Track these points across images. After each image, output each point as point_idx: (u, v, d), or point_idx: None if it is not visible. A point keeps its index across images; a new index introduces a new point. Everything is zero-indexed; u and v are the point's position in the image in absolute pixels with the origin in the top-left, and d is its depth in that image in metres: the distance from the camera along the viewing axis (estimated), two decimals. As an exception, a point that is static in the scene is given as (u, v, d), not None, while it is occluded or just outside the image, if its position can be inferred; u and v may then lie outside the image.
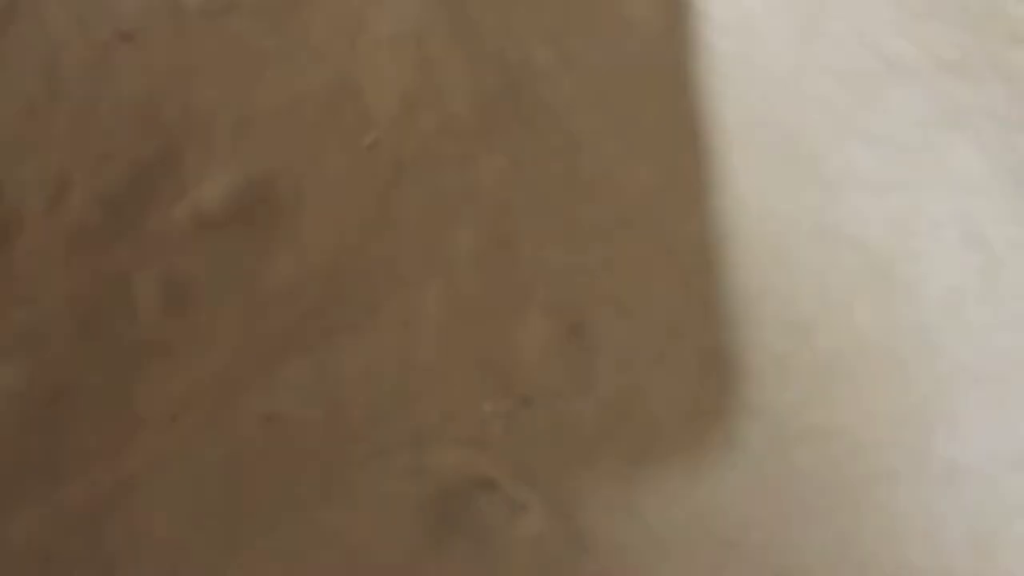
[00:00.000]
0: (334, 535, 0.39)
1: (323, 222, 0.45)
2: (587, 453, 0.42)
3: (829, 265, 0.45)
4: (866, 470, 0.41)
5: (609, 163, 0.48)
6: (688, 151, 0.49)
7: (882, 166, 0.48)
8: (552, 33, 0.51)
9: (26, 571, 0.38)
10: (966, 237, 0.46)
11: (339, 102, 0.48)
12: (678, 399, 0.43)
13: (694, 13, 0.53)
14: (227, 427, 0.40)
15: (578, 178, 0.48)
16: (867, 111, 0.49)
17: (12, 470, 0.39)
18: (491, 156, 0.47)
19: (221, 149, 0.46)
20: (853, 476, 0.43)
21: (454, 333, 0.43)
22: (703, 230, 0.47)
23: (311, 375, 0.42)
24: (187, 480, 0.40)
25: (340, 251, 0.44)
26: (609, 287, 0.46)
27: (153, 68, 0.47)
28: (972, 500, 0.40)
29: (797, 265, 0.46)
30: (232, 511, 0.39)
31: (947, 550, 0.40)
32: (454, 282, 0.44)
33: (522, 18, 0.51)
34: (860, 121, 0.49)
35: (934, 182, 0.47)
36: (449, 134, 0.48)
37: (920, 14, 0.51)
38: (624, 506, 0.40)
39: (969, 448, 0.42)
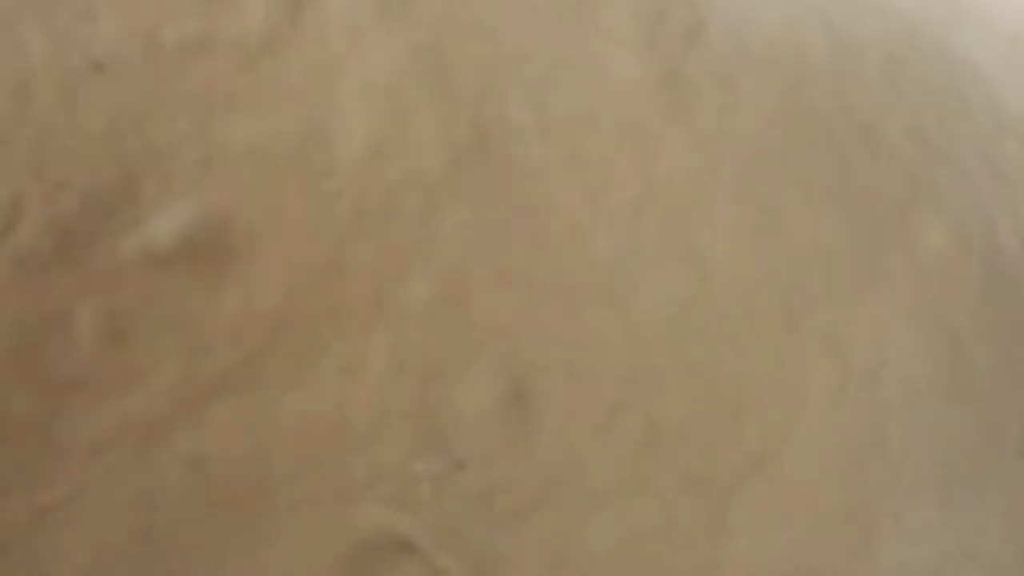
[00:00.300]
0: (245, 587, 0.38)
1: (274, 266, 0.44)
2: (516, 522, 0.40)
3: (785, 344, 0.44)
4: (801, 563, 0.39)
5: (574, 226, 0.47)
6: (658, 220, 0.48)
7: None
8: (531, 90, 0.50)
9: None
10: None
11: (306, 146, 0.47)
12: (618, 472, 0.42)
13: (680, 78, 0.52)
14: (149, 467, 0.39)
15: (541, 239, 0.47)
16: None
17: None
18: (454, 211, 0.47)
19: (180, 185, 0.45)
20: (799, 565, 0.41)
21: (394, 388, 0.42)
22: (663, 302, 0.46)
23: (242, 419, 0.41)
24: (101, 519, 0.39)
25: (288, 296, 0.43)
26: (560, 352, 0.45)
27: (122, 100, 0.47)
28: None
29: (754, 347, 0.44)
30: (143, 554, 0.38)
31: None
32: (400, 335, 0.43)
33: (502, 74, 0.50)
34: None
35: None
36: (414, 186, 0.47)
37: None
38: (548, 580, 0.39)
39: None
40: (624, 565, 0.41)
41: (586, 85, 0.51)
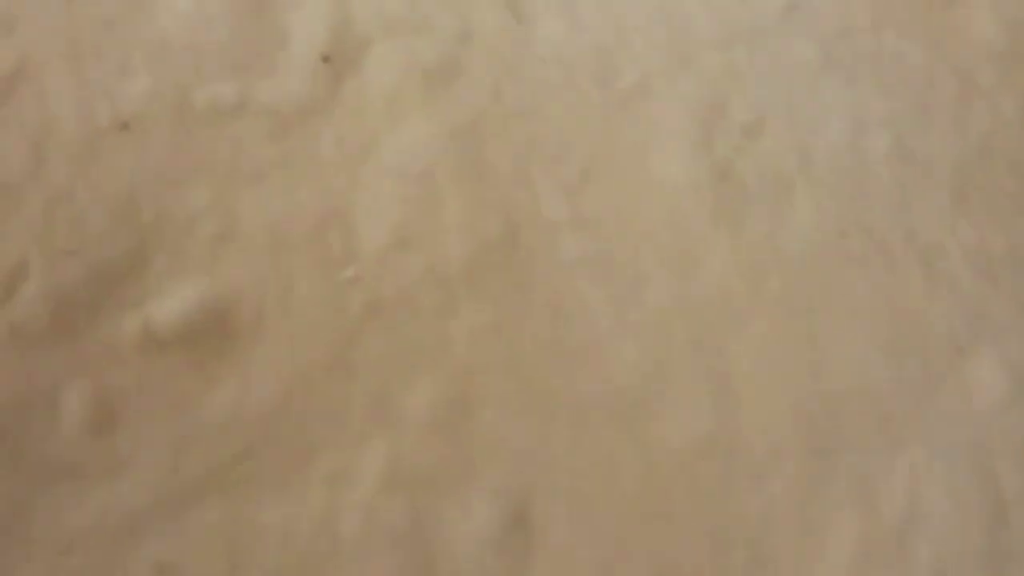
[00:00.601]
0: None
1: (277, 358, 0.42)
2: (497, 668, 0.38)
3: (811, 489, 0.40)
4: None
5: (597, 336, 0.44)
6: (688, 337, 0.45)
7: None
8: (569, 183, 0.47)
9: None
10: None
11: (327, 228, 0.45)
12: (615, 620, 0.39)
13: (732, 179, 0.49)
14: (117, 570, 0.37)
15: (562, 348, 0.44)
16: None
17: None
18: (472, 311, 0.44)
19: (191, 261, 0.43)
20: None
21: (385, 503, 0.40)
22: (684, 430, 0.43)
23: (221, 524, 0.39)
24: (61, 623, 0.37)
25: (285, 393, 0.41)
26: (568, 478, 0.42)
27: (143, 163, 0.45)
28: None
29: (777, 490, 0.41)
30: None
31: None
32: (398, 446, 0.41)
33: (540, 167, 0.48)
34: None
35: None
36: (434, 280, 0.44)
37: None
38: None
39: None
40: None
41: (627, 181, 0.48)
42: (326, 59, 0.49)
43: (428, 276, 0.45)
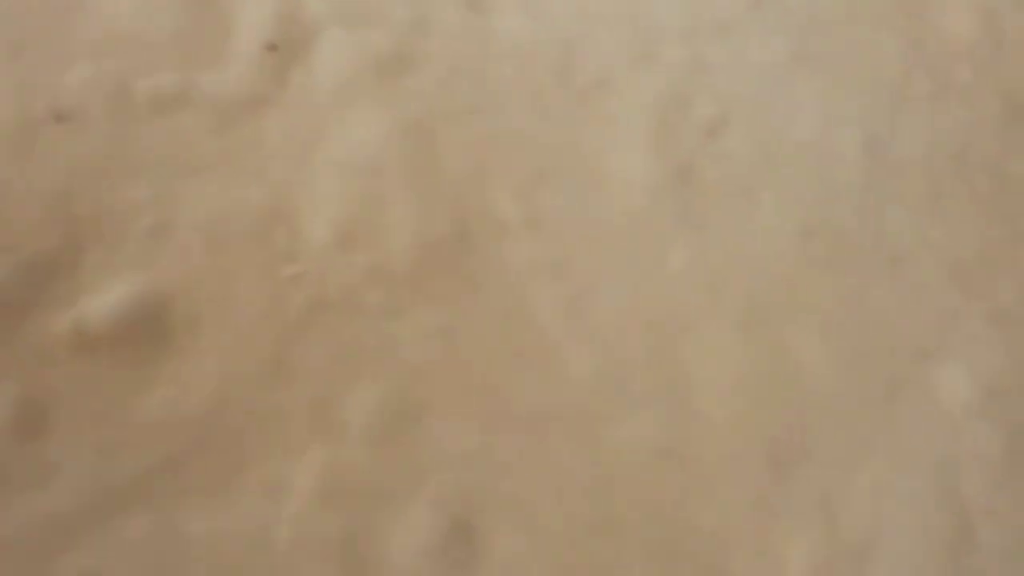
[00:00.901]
0: None
1: (213, 359, 0.40)
2: None
3: (769, 503, 0.39)
4: None
5: (549, 342, 0.43)
6: (644, 344, 0.43)
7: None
8: (522, 184, 0.46)
9: None
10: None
11: (269, 224, 0.43)
12: (557, 637, 0.38)
13: (693, 180, 0.47)
14: (39, 581, 0.36)
15: (511, 352, 0.43)
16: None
17: None
18: (418, 312, 0.43)
19: (127, 257, 0.42)
20: None
21: (321, 513, 0.38)
22: (638, 441, 0.41)
23: (150, 535, 0.37)
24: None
25: (222, 396, 0.40)
26: (514, 487, 0.41)
27: (81, 155, 0.43)
28: None
29: (733, 503, 0.40)
30: None
31: None
32: (338, 453, 0.39)
33: (493, 164, 0.46)
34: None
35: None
36: (380, 280, 0.43)
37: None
38: None
39: None
40: None
41: (584, 180, 0.46)
42: (273, 48, 0.48)
43: (373, 275, 0.44)
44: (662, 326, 0.44)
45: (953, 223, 0.49)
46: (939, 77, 0.52)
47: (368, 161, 0.46)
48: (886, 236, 0.48)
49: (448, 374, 0.42)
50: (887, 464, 0.43)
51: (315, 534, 0.39)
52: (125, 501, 0.39)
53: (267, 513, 0.39)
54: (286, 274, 0.43)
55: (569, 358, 0.43)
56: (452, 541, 0.40)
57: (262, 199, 0.45)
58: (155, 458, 0.40)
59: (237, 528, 0.39)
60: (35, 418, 0.40)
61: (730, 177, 0.48)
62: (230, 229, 0.44)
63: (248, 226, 0.44)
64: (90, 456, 0.40)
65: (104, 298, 0.42)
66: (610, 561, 0.40)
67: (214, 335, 0.42)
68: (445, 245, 0.45)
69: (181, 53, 0.47)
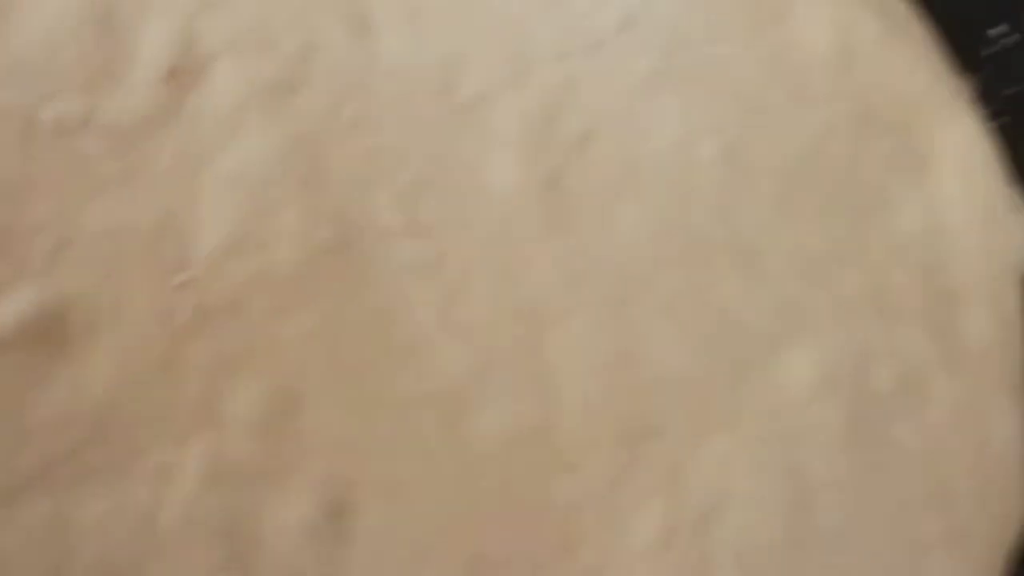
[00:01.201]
0: None
1: (110, 361, 0.45)
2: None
3: (621, 477, 0.43)
4: None
5: (424, 337, 0.47)
6: (512, 338, 0.48)
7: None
8: (403, 194, 0.50)
9: None
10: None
11: (163, 236, 0.48)
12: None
13: (561, 188, 0.52)
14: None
15: (388, 348, 0.47)
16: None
17: None
18: (301, 314, 0.47)
19: (32, 269, 0.46)
20: None
21: (206, 498, 0.43)
22: (504, 426, 0.46)
23: (46, 521, 0.41)
24: None
25: (117, 392, 0.44)
26: (389, 469, 0.45)
27: (-13, 177, 0.47)
28: None
29: (590, 478, 0.44)
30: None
31: None
32: (221, 443, 0.44)
33: (376, 176, 0.51)
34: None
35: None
36: (265, 285, 0.47)
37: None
38: None
39: None
40: None
41: (461, 189, 0.51)
42: (171, 75, 0.52)
43: (259, 281, 0.48)
44: (528, 321, 0.48)
45: (802, 222, 0.53)
46: (794, 87, 0.57)
47: (256, 176, 0.50)
48: (739, 235, 0.52)
49: (327, 369, 0.46)
50: (733, 440, 0.47)
51: (200, 516, 0.43)
52: (24, 491, 0.43)
53: (155, 498, 0.43)
54: (176, 282, 0.47)
55: (441, 351, 0.47)
56: (328, 520, 0.44)
57: (156, 214, 0.49)
58: (54, 447, 0.43)
59: (127, 513, 0.42)
60: (-61, 414, 0.44)
61: (595, 185, 0.52)
62: (126, 243, 0.48)
63: (142, 239, 0.48)
64: (-8, 449, 0.43)
65: (8, 307, 0.46)
66: (473, 535, 0.44)
67: (110, 339, 0.46)
68: (329, 251, 0.49)
69: (84, 80, 0.51)
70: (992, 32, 0.62)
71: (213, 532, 0.42)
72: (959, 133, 0.57)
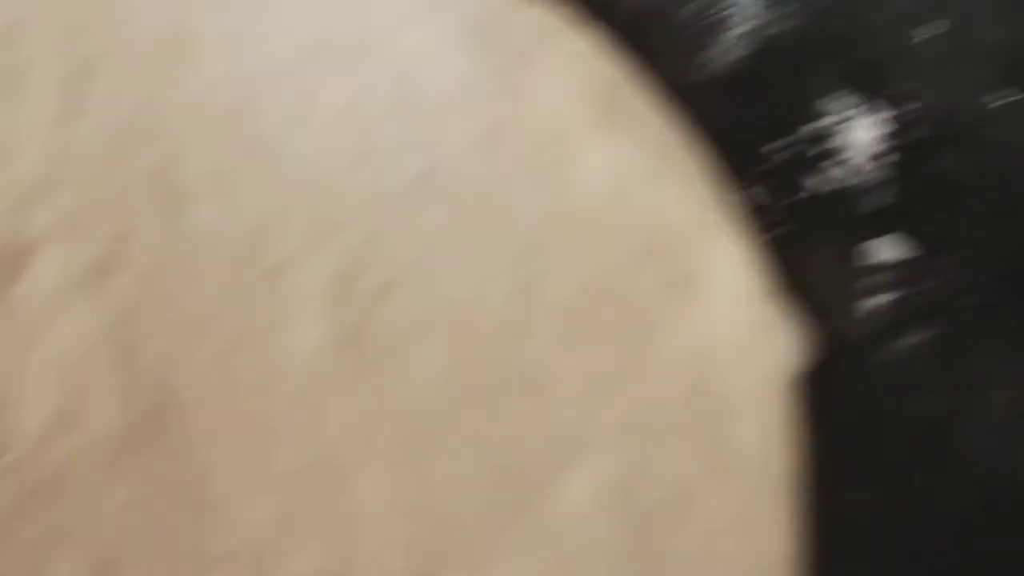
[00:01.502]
0: None
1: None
2: None
3: None
4: None
5: (236, 492, 0.52)
6: (313, 488, 0.53)
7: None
8: (217, 358, 0.55)
9: None
10: None
11: (-11, 420, 0.52)
12: None
13: (363, 339, 0.57)
14: None
15: (202, 507, 0.52)
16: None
17: None
18: (123, 482, 0.52)
19: None
20: None
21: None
22: (308, 573, 0.50)
23: None
24: None
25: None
26: (201, 624, 0.49)
27: None
28: None
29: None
30: None
31: None
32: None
33: (192, 343, 0.56)
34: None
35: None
36: (86, 459, 0.52)
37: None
38: None
39: None
40: None
41: (268, 350, 0.56)
42: (-3, 264, 0.57)
43: (83, 454, 0.53)
44: (329, 470, 0.54)
45: (586, 349, 0.59)
46: (576, 225, 0.63)
47: (77, 355, 0.55)
48: (527, 368, 0.58)
49: (144, 535, 0.51)
50: (517, 564, 0.52)
51: None
52: None
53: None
54: (1, 464, 0.52)
55: (249, 507, 0.52)
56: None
57: (-16, 401, 0.54)
58: None
59: None
60: None
61: (393, 336, 0.58)
62: (-44, 431, 0.53)
63: (-29, 427, 0.53)
64: None
65: None
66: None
67: (-61, 524, 0.51)
68: (149, 418, 0.54)
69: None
70: (764, 149, 0.69)
71: None
72: (726, 255, 0.63)
